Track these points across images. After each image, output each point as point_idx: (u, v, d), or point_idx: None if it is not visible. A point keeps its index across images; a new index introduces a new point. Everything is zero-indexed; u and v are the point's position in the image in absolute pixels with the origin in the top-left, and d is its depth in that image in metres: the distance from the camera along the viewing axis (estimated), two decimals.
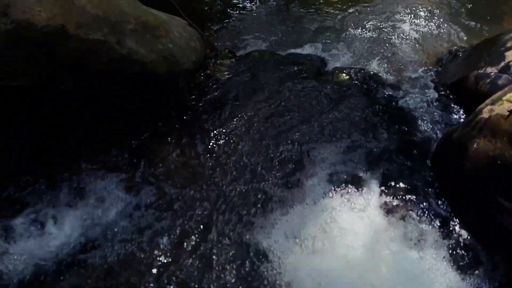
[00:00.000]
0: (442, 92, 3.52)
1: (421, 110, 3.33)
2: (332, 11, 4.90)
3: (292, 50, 4.24)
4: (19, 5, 2.43)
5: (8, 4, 2.40)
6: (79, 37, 2.64)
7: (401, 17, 4.72)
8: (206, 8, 4.97)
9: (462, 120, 3.17)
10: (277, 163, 2.91)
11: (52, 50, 2.60)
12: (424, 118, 3.24)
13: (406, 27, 4.60)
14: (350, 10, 4.87)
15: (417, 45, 4.31)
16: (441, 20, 4.62)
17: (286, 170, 2.81)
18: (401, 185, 2.68)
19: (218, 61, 3.76)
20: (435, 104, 3.40)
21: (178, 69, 3.32)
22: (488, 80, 3.11)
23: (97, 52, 2.75)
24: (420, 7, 4.89)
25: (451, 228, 2.49)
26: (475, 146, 2.38)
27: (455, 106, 3.35)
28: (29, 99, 2.74)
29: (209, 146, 2.99)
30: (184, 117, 3.17)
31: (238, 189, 2.75)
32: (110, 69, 2.87)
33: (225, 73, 3.65)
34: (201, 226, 2.52)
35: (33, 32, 2.47)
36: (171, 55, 3.23)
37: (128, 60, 2.90)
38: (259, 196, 2.65)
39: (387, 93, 3.52)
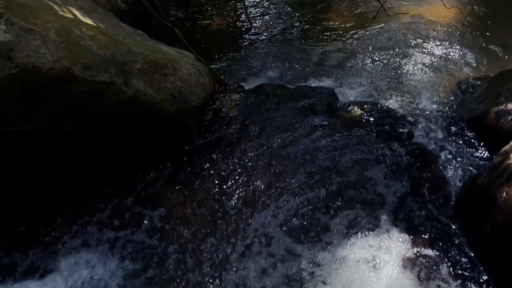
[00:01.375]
0: (461, 128, 3.39)
1: (440, 148, 3.20)
2: (339, 40, 4.83)
3: (302, 83, 4.14)
4: (23, 48, 2.33)
5: (12, 47, 2.31)
6: (85, 79, 2.54)
7: (411, 45, 4.64)
8: (212, 41, 4.91)
9: (485, 159, 3.03)
10: (288, 209, 2.76)
11: (57, 94, 2.49)
12: (444, 157, 3.10)
13: (417, 55, 4.51)
14: (357, 39, 4.79)
15: (430, 75, 4.21)
16: (455, 47, 4.53)
17: (299, 218, 2.66)
18: (423, 237, 2.51)
19: (226, 96, 3.65)
20: (454, 141, 3.27)
21: (186, 107, 3.21)
22: (510, 118, 2.98)
23: (104, 94, 2.65)
24: (431, 33, 4.81)
25: None
26: (504, 195, 2.24)
27: (476, 144, 3.21)
28: (30, 144, 2.62)
29: (219, 191, 2.85)
30: (193, 159, 3.04)
31: (248, 236, 2.60)
32: (117, 111, 2.76)
33: (234, 108, 3.54)
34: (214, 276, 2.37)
35: (37, 76, 2.37)
36: (180, 93, 3.13)
37: (136, 101, 2.80)
38: (270, 249, 2.50)
39: (402, 130, 3.39)
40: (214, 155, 3.07)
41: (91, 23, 2.87)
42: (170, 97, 3.04)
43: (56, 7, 3.16)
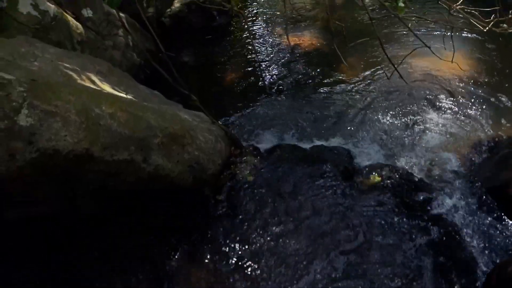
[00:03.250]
0: (482, 198, 3.32)
1: (461, 221, 3.12)
2: (352, 96, 4.82)
3: (316, 142, 4.11)
4: (45, 132, 2.32)
5: (34, 132, 2.30)
6: (105, 159, 2.52)
7: (425, 102, 4.61)
8: (226, 94, 4.93)
9: (510, 236, 2.94)
10: (307, 283, 2.68)
11: (76, 175, 2.47)
12: (466, 233, 3.02)
13: (431, 113, 4.47)
14: (371, 95, 4.78)
15: (445, 135, 4.16)
16: (469, 105, 4.49)
17: None
18: None
19: (242, 159, 3.61)
20: (475, 212, 3.19)
21: (204, 176, 3.17)
22: None
23: (123, 172, 2.62)
24: (445, 90, 4.79)
25: None
26: None
27: (500, 216, 3.13)
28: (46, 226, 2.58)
29: (237, 263, 2.78)
30: (211, 231, 2.98)
31: None
32: (135, 188, 2.72)
33: (250, 173, 3.50)
34: None
35: (57, 159, 2.35)
36: (197, 163, 3.10)
37: (155, 177, 2.76)
38: None
39: (421, 198, 3.32)
40: (231, 228, 3.02)
41: (111, 97, 2.87)
42: (187, 169, 3.02)
43: (75, 75, 3.19)
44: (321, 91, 4.91)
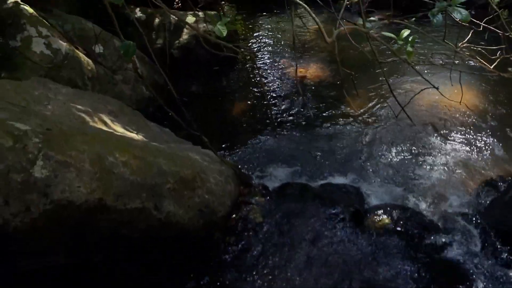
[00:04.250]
0: (492, 240, 3.30)
1: (471, 267, 3.08)
2: (360, 131, 4.83)
3: (325, 180, 4.11)
4: (59, 184, 2.34)
5: (49, 184, 2.32)
6: (118, 208, 2.53)
7: (434, 139, 4.62)
8: (234, 127, 4.96)
9: None
10: None
11: (89, 224, 2.48)
12: (475, 279, 2.98)
13: (441, 150, 4.48)
14: (378, 130, 4.80)
15: (455, 173, 4.15)
16: (480, 144, 4.49)
17: None
18: None
19: (252, 199, 3.62)
20: (485, 257, 3.16)
21: (214, 219, 3.18)
22: None
23: (135, 220, 2.63)
24: (451, 124, 4.81)
25: None
26: None
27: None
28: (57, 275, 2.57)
29: None
30: (221, 277, 2.96)
31: None
32: (146, 235, 2.73)
33: (259, 214, 3.50)
34: None
35: (71, 210, 2.36)
36: (207, 206, 3.11)
37: (166, 223, 2.77)
38: None
39: (429, 241, 3.31)
40: (240, 274, 3.00)
41: (124, 143, 2.90)
42: (197, 213, 3.02)
43: (87, 118, 3.23)
44: (329, 125, 4.93)
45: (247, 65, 6.39)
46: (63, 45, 4.12)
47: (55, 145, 2.43)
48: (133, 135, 3.44)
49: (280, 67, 6.26)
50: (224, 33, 2.51)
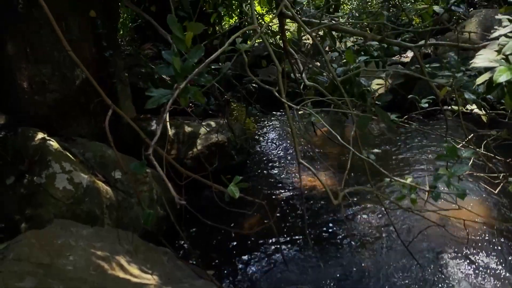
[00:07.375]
0: None
1: None
2: (372, 252, 4.88)
3: None
4: None
5: None
6: None
7: (445, 259, 4.65)
8: (239, 250, 5.06)
9: None
10: None
11: None
12: None
13: (453, 271, 4.50)
14: (388, 251, 4.85)
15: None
16: (491, 261, 4.51)
17: None
18: None
19: None
20: None
21: None
22: None
23: None
24: (464, 242, 4.85)
25: None
26: None
27: None
28: None
29: None
30: None
31: None
32: None
33: None
34: None
35: None
36: None
37: None
38: None
39: None
40: None
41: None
42: None
43: (106, 265, 3.38)
44: (337, 242, 5.02)
45: (257, 173, 6.61)
46: (85, 178, 4.37)
47: None
48: (148, 276, 3.56)
49: (288, 175, 6.47)
50: (237, 195, 2.70)
